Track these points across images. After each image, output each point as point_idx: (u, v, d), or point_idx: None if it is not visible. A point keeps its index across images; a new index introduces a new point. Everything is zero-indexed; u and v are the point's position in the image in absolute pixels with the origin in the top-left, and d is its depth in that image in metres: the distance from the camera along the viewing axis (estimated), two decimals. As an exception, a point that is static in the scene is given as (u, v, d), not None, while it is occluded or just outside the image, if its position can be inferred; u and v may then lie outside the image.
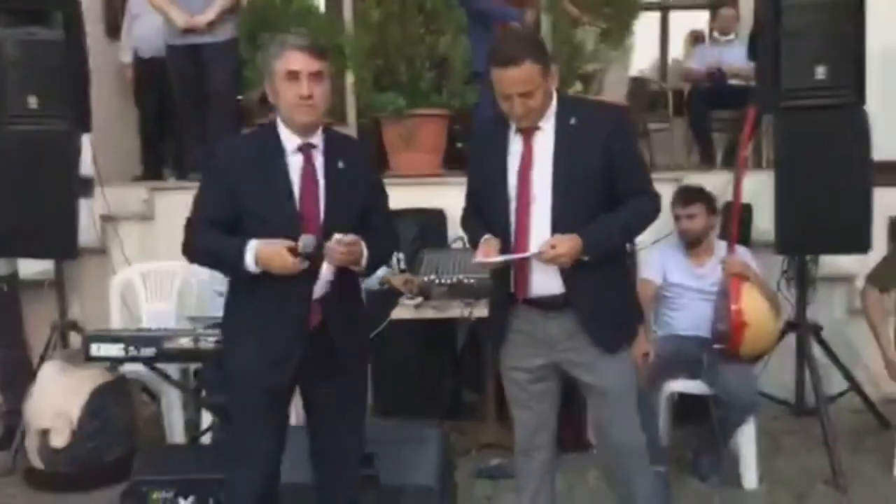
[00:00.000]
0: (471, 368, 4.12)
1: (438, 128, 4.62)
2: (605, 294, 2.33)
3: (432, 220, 4.20)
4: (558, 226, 2.25)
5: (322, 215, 2.23)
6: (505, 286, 2.39)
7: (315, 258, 2.18)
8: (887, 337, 3.34)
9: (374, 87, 4.54)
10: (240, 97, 4.61)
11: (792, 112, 3.44)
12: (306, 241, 2.15)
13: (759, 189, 3.76)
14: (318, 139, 2.28)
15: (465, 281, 3.53)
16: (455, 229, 4.16)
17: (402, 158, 4.55)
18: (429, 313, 3.43)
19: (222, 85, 4.54)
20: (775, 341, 3.45)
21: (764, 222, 3.76)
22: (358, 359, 2.41)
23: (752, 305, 3.22)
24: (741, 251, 3.46)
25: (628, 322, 2.46)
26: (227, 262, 2.25)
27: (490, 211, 2.37)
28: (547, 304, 2.34)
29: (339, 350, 2.29)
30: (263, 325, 2.25)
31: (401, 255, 3.84)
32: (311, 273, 2.21)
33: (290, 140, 2.25)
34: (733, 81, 5.35)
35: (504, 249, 2.30)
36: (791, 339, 3.68)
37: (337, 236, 2.16)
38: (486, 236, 2.34)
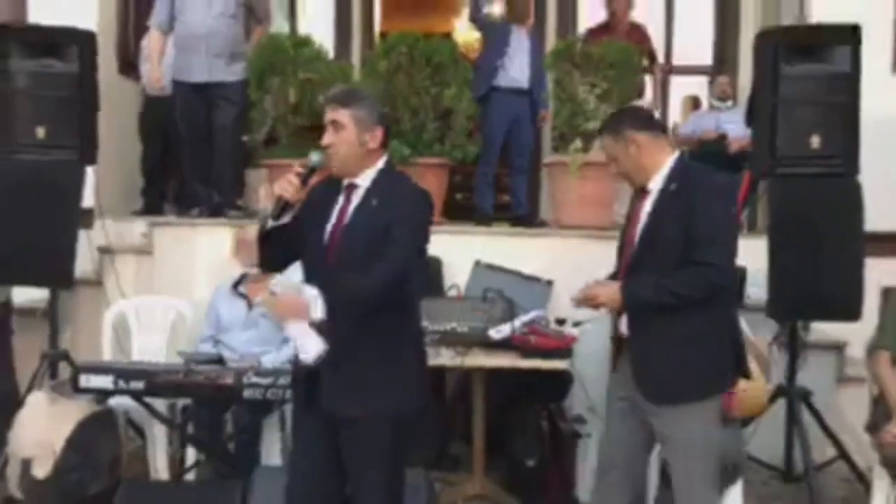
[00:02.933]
0: (460, 419, 4.12)
1: (440, 177, 4.69)
2: (662, 344, 2.51)
3: (429, 268, 4.23)
4: (631, 273, 2.56)
5: (337, 247, 2.40)
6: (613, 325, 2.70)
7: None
8: None
9: (378, 136, 4.62)
10: (245, 138, 4.70)
11: (787, 179, 3.53)
12: (315, 153, 2.43)
13: (753, 253, 3.82)
14: (364, 180, 2.44)
15: (458, 329, 3.57)
16: (451, 278, 4.21)
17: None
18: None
19: (229, 124, 4.65)
20: (765, 404, 3.46)
21: (757, 286, 3.81)
22: (354, 404, 2.37)
23: (742, 368, 3.23)
24: (733, 313, 3.49)
25: (691, 379, 2.52)
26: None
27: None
28: (626, 345, 2.61)
29: (325, 385, 2.36)
30: None
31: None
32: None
33: (345, 181, 2.47)
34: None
35: None
36: (781, 404, 3.70)
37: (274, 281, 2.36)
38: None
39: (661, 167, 2.56)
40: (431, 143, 4.58)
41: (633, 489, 2.72)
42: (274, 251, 2.46)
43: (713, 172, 2.78)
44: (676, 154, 2.62)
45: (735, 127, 5.40)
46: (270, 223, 2.39)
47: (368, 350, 2.36)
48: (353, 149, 2.39)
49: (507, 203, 5.43)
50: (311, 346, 2.29)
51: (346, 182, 2.46)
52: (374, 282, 2.32)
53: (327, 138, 2.41)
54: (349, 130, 2.38)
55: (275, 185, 2.38)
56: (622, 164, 2.60)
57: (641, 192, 2.62)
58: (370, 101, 2.48)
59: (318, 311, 2.25)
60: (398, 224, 2.35)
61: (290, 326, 2.31)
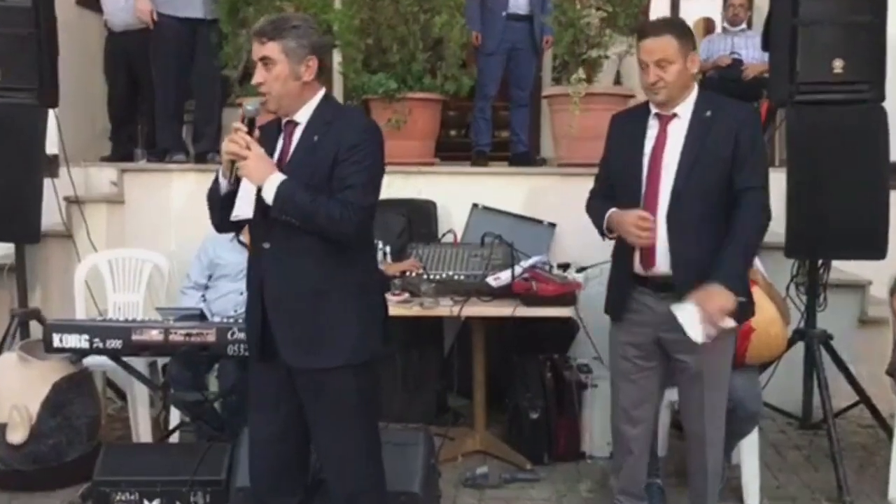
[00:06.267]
0: (459, 372, 4.13)
1: (431, 113, 4.63)
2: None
3: (422, 212, 4.21)
4: (676, 202, 2.64)
5: None
6: (627, 265, 2.77)
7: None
8: None
9: (363, 68, 4.54)
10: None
11: (807, 107, 3.46)
12: (249, 102, 2.34)
13: (770, 188, 3.78)
14: (302, 115, 2.39)
15: (456, 277, 3.56)
16: (446, 222, 4.19)
17: (392, 145, 4.44)
18: (415, 310, 3.42)
19: (216, 62, 4.63)
20: (783, 349, 3.46)
21: (775, 224, 3.77)
22: (310, 355, 2.34)
23: (758, 310, 3.22)
24: (749, 253, 3.47)
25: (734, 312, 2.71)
26: (214, 194, 2.41)
27: (624, 184, 2.75)
28: (659, 285, 2.71)
29: (276, 337, 2.35)
30: (248, 302, 2.50)
31: (387, 249, 3.84)
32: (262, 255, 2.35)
33: (283, 119, 2.42)
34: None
35: None
36: (799, 348, 3.71)
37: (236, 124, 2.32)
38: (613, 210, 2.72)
39: (692, 92, 2.71)
40: (421, 76, 4.51)
41: (651, 439, 2.95)
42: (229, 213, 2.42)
43: (736, 101, 2.93)
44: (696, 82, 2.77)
45: (750, 52, 5.32)
46: (227, 186, 2.34)
47: (321, 300, 2.34)
48: (288, 84, 2.32)
49: (506, 140, 5.37)
50: (245, 210, 2.35)
51: (284, 120, 2.41)
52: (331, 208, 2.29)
53: (258, 76, 2.33)
54: (281, 65, 2.30)
55: (223, 150, 2.31)
56: (671, 72, 2.61)
57: (659, 117, 2.70)
58: (302, 29, 2.35)
59: (271, 198, 2.27)
60: (344, 161, 2.29)
61: (246, 179, 2.31)
